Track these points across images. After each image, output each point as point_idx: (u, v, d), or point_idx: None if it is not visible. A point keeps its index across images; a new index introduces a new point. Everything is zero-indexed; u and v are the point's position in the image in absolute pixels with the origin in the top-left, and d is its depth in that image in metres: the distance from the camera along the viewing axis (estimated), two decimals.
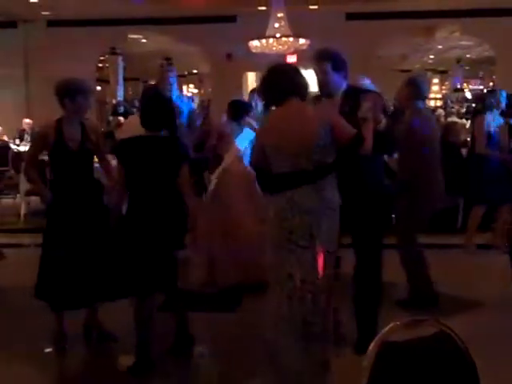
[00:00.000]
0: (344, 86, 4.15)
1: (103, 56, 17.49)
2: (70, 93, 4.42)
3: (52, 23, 15.05)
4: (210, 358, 4.58)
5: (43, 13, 14.26)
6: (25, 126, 13.33)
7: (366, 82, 5.67)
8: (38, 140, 4.58)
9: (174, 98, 6.61)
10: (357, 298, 4.28)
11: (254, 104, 7.19)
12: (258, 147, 3.73)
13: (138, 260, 3.98)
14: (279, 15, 12.21)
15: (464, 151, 8.31)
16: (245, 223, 5.74)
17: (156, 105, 4.16)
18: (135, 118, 5.62)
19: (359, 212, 4.10)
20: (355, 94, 4.06)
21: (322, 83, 4.17)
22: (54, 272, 4.34)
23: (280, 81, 3.61)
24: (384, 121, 3.93)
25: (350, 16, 14.45)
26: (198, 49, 15.89)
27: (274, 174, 3.59)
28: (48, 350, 4.60)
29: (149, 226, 3.98)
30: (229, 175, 5.96)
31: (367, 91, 4.36)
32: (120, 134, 6.72)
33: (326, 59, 4.12)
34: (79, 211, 4.37)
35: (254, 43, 12.36)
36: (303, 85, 3.66)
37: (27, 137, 13.08)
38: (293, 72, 3.67)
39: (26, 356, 4.42)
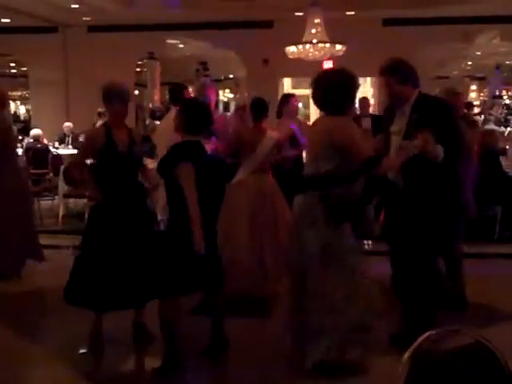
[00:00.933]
0: (413, 96, 4.18)
1: (141, 60, 17.68)
2: (107, 97, 4.51)
3: (92, 28, 15.28)
4: (243, 361, 4.59)
5: (84, 18, 14.49)
6: (65, 130, 13.54)
7: None
8: (87, 144, 4.68)
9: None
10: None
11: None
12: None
13: (185, 261, 3.98)
14: (316, 21, 12.21)
15: (502, 159, 8.21)
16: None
17: (196, 109, 4.20)
18: (168, 122, 5.71)
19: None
20: (425, 102, 4.14)
21: (389, 96, 4.27)
22: (96, 273, 4.38)
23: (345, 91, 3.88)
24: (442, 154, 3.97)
25: (387, 22, 14.38)
26: (234, 54, 15.97)
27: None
28: (83, 350, 4.65)
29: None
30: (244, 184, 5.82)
31: (436, 101, 4.37)
32: (156, 138, 6.78)
33: (392, 73, 4.18)
34: (124, 214, 4.43)
35: (291, 49, 12.38)
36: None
37: (68, 140, 13.30)
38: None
39: (62, 356, 4.48)
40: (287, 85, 16.74)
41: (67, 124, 13.66)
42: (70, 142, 13.22)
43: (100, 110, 13.44)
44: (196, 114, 4.13)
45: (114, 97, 4.49)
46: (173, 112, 6.01)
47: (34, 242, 6.72)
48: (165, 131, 5.95)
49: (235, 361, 4.37)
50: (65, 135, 13.41)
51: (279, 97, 14.92)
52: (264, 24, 14.68)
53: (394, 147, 4.19)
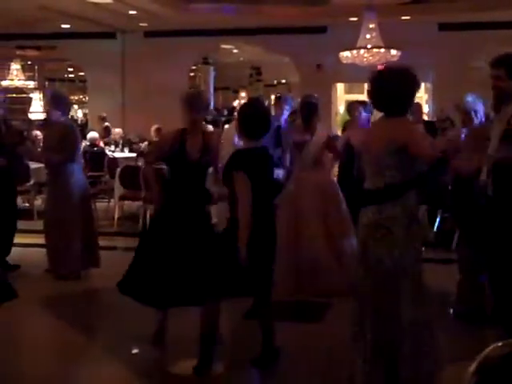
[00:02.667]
0: None
1: (195, 65, 17.89)
2: (182, 104, 4.63)
3: (148, 34, 15.54)
4: (293, 370, 4.59)
5: (141, 24, 14.74)
6: (115, 136, 13.75)
7: (470, 100, 5.46)
8: (159, 147, 4.79)
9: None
10: None
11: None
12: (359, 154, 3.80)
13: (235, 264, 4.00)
14: (371, 26, 12.14)
15: None
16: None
17: (257, 114, 4.20)
18: (230, 129, 5.81)
19: None
20: None
21: (495, 89, 4.05)
22: (157, 270, 4.45)
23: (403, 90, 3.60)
24: None
25: (443, 26, 14.17)
26: (287, 59, 16.00)
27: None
28: (135, 350, 4.76)
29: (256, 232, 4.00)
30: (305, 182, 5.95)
31: None
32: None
33: (502, 65, 3.97)
34: (185, 218, 4.51)
35: (345, 54, 12.34)
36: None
37: (119, 144, 13.52)
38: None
39: (117, 354, 4.55)
40: (340, 90, 16.69)
41: (117, 130, 13.90)
42: (121, 146, 13.43)
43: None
44: (253, 119, 4.14)
45: (191, 105, 4.60)
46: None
47: (95, 246, 6.87)
48: (225, 138, 6.04)
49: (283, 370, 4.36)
50: (115, 141, 13.63)
51: (332, 102, 15.01)
52: (318, 29, 14.68)
53: (492, 150, 4.00)
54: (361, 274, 3.58)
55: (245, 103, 4.81)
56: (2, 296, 3.95)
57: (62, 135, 6.45)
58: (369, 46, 12.06)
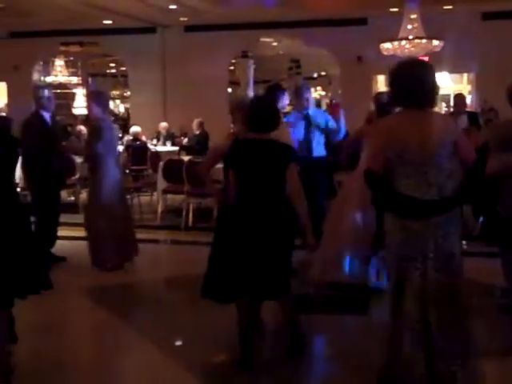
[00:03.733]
0: None
1: (235, 59, 17.93)
2: (233, 108, 4.76)
3: (189, 28, 15.63)
4: (321, 361, 4.60)
5: (181, 19, 14.83)
6: (161, 129, 13.93)
7: None
8: (216, 149, 4.86)
9: (310, 112, 6.89)
10: None
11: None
12: (379, 150, 3.48)
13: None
14: (412, 16, 12.02)
15: None
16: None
17: (265, 107, 4.27)
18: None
19: None
20: None
21: None
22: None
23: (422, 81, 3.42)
24: None
25: (487, 16, 13.92)
26: (327, 51, 15.94)
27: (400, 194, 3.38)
28: (179, 343, 4.84)
29: (260, 226, 4.07)
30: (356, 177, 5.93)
31: None
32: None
33: None
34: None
35: (386, 45, 12.24)
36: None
37: (162, 138, 13.69)
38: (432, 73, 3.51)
39: (161, 345, 4.60)
40: (380, 82, 16.55)
41: (163, 124, 14.06)
42: (164, 140, 13.59)
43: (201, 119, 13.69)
44: (263, 113, 4.21)
45: (239, 108, 4.73)
46: None
47: (134, 238, 6.98)
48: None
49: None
50: (159, 133, 13.79)
51: (372, 94, 14.89)
52: (358, 21, 14.56)
53: None
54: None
55: (254, 98, 4.85)
56: (39, 284, 4.04)
57: (94, 131, 6.66)
58: (410, 37, 11.93)
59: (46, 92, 6.90)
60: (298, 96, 6.89)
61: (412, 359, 3.41)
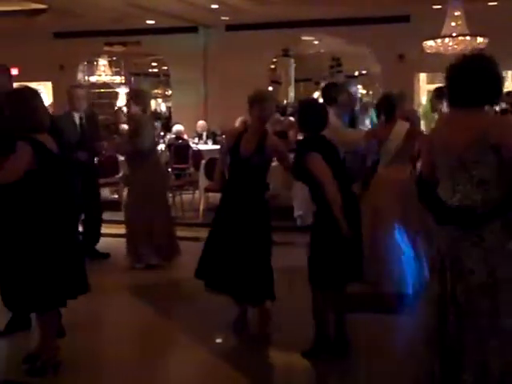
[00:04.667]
0: None
1: (276, 58, 17.95)
2: (249, 102, 4.82)
3: (230, 27, 15.69)
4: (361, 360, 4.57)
5: (222, 18, 14.90)
6: (198, 128, 14.01)
7: None
8: (225, 143, 5.09)
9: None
10: None
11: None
12: (426, 154, 3.34)
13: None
14: (456, 13, 11.84)
15: None
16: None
17: (314, 108, 4.42)
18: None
19: None
20: None
21: None
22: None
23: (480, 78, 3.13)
24: None
25: None
26: (368, 49, 15.83)
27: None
28: (219, 340, 4.89)
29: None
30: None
31: None
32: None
33: None
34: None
35: (429, 43, 12.10)
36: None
37: (203, 137, 13.77)
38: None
39: (203, 341, 4.68)
40: (422, 80, 16.37)
41: (200, 122, 14.14)
42: (205, 138, 13.67)
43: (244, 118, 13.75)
44: (311, 114, 4.35)
45: (254, 103, 4.76)
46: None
47: (174, 235, 7.04)
48: None
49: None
50: (198, 133, 13.87)
51: (414, 92, 14.74)
52: (400, 18, 14.41)
53: None
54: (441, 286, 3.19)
55: (303, 101, 4.97)
56: (76, 289, 4.13)
57: (132, 129, 6.77)
58: (454, 34, 11.77)
59: (77, 92, 7.03)
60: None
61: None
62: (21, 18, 13.47)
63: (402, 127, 5.74)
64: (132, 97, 7.03)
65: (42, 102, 4.12)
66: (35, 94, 4.11)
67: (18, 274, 3.95)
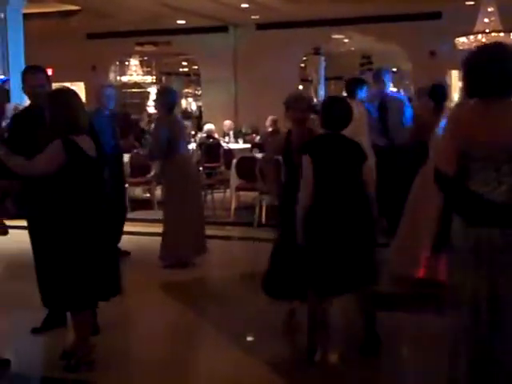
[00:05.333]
0: None
1: (306, 56, 17.92)
2: (285, 104, 4.83)
3: (260, 26, 15.72)
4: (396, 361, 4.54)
5: (253, 17, 14.94)
6: (224, 128, 14.05)
7: None
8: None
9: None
10: None
11: None
12: (451, 148, 3.11)
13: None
14: (489, 9, 11.70)
15: None
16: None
17: (333, 106, 4.35)
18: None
19: None
20: None
21: None
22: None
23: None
24: None
25: None
26: (399, 47, 15.73)
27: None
28: (250, 338, 4.90)
29: (339, 222, 4.13)
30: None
31: None
32: None
33: None
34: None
35: (461, 40, 11.97)
36: None
37: (229, 136, 13.81)
38: None
39: (237, 340, 4.66)
40: (454, 77, 16.20)
41: (227, 122, 14.17)
42: (232, 137, 13.70)
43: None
44: (336, 111, 4.29)
45: (288, 107, 4.79)
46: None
47: (203, 233, 7.03)
48: None
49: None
50: (225, 132, 13.91)
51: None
52: (432, 15, 14.29)
53: None
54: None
55: (328, 98, 4.91)
56: (109, 291, 4.18)
57: (160, 128, 6.75)
58: (487, 31, 11.64)
59: (106, 90, 7.10)
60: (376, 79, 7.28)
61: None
62: (55, 20, 13.69)
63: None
64: (158, 96, 7.04)
65: (81, 103, 4.16)
66: (75, 95, 4.16)
67: (53, 272, 4.03)
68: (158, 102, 6.87)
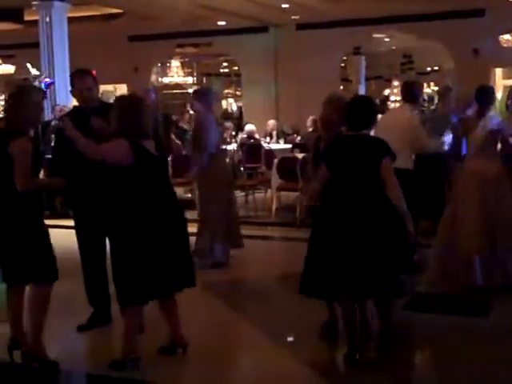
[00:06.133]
0: None
1: (346, 56, 17.85)
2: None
3: (300, 26, 15.71)
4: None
5: (293, 17, 14.95)
6: (268, 128, 14.08)
7: None
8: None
9: None
10: None
11: None
12: None
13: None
14: None
15: None
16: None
17: (363, 106, 4.33)
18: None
19: None
20: None
21: None
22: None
23: None
24: None
25: None
26: (441, 45, 15.55)
27: None
28: (290, 338, 4.89)
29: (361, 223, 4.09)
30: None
31: None
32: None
33: None
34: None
35: (505, 37, 11.84)
36: None
37: (272, 136, 13.83)
38: None
39: (275, 341, 4.66)
40: (498, 75, 15.95)
41: (270, 122, 14.20)
42: (275, 138, 13.73)
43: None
44: (361, 111, 4.26)
45: (324, 105, 4.80)
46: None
47: (237, 229, 7.03)
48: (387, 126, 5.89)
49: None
50: (268, 132, 13.93)
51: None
52: (475, 13, 14.11)
53: None
54: None
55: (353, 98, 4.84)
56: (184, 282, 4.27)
57: (195, 128, 6.84)
58: None
59: (149, 93, 7.20)
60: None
61: None
62: (98, 23, 13.91)
63: (488, 120, 5.65)
64: (195, 96, 7.02)
65: (147, 109, 4.20)
66: (142, 101, 4.24)
67: (126, 267, 4.08)
68: (196, 102, 6.89)
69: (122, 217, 4.08)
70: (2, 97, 16.48)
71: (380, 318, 4.37)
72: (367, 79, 19.67)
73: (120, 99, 4.36)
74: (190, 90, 20.82)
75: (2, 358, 4.26)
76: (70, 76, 4.98)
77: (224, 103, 22.60)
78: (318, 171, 4.44)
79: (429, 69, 22.41)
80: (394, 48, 19.08)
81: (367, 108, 4.33)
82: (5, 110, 4.23)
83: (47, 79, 10.55)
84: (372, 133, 4.47)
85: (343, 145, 4.27)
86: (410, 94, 6.25)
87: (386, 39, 17.69)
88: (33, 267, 4.12)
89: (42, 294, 4.17)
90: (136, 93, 4.42)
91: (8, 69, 14.39)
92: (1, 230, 4.15)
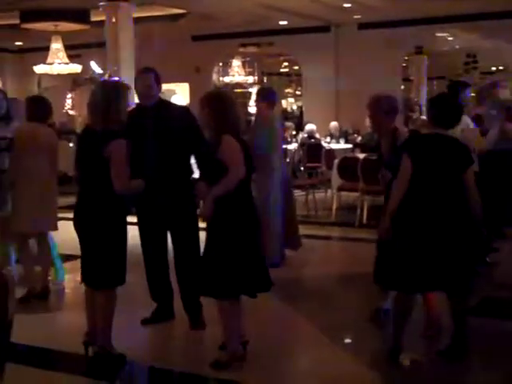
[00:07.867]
0: None
1: (408, 55, 17.66)
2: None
3: (362, 26, 15.63)
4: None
5: (354, 16, 14.90)
6: (331, 129, 14.05)
7: None
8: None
9: None
10: None
11: None
12: None
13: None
14: None
15: None
16: None
17: (449, 103, 4.27)
18: None
19: None
20: None
21: None
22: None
23: None
24: None
25: None
26: (506, 44, 15.22)
27: None
28: (348, 340, 4.89)
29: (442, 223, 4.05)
30: None
31: None
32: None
33: None
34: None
35: None
36: None
37: (334, 138, 13.82)
38: None
39: (328, 339, 4.69)
40: None
41: (333, 124, 14.18)
42: (337, 138, 13.71)
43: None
44: (447, 108, 4.20)
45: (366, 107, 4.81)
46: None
47: (294, 230, 7.03)
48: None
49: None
50: (331, 133, 13.91)
51: None
52: None
53: None
54: None
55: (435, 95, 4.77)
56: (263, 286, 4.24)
57: (257, 127, 6.81)
58: None
59: None
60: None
61: None
62: (163, 23, 14.13)
63: None
64: (258, 95, 7.09)
65: (239, 108, 4.26)
66: (234, 99, 4.29)
67: (215, 263, 4.05)
68: (260, 101, 6.94)
69: (228, 214, 4.04)
70: (70, 95, 17.00)
71: (455, 319, 4.29)
72: (429, 79, 19.42)
73: (220, 97, 4.22)
74: (251, 90, 21.02)
75: (75, 350, 4.39)
76: (135, 74, 5.13)
77: (284, 103, 22.66)
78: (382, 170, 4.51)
79: (494, 68, 21.97)
80: (457, 47, 18.75)
81: (455, 106, 4.28)
82: (102, 111, 4.07)
83: (115, 78, 10.79)
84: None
85: (430, 143, 4.17)
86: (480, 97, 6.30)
87: (450, 38, 17.40)
88: (112, 275, 4.16)
89: (112, 295, 4.23)
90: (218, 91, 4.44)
91: (75, 68, 14.76)
92: (89, 232, 4.15)
